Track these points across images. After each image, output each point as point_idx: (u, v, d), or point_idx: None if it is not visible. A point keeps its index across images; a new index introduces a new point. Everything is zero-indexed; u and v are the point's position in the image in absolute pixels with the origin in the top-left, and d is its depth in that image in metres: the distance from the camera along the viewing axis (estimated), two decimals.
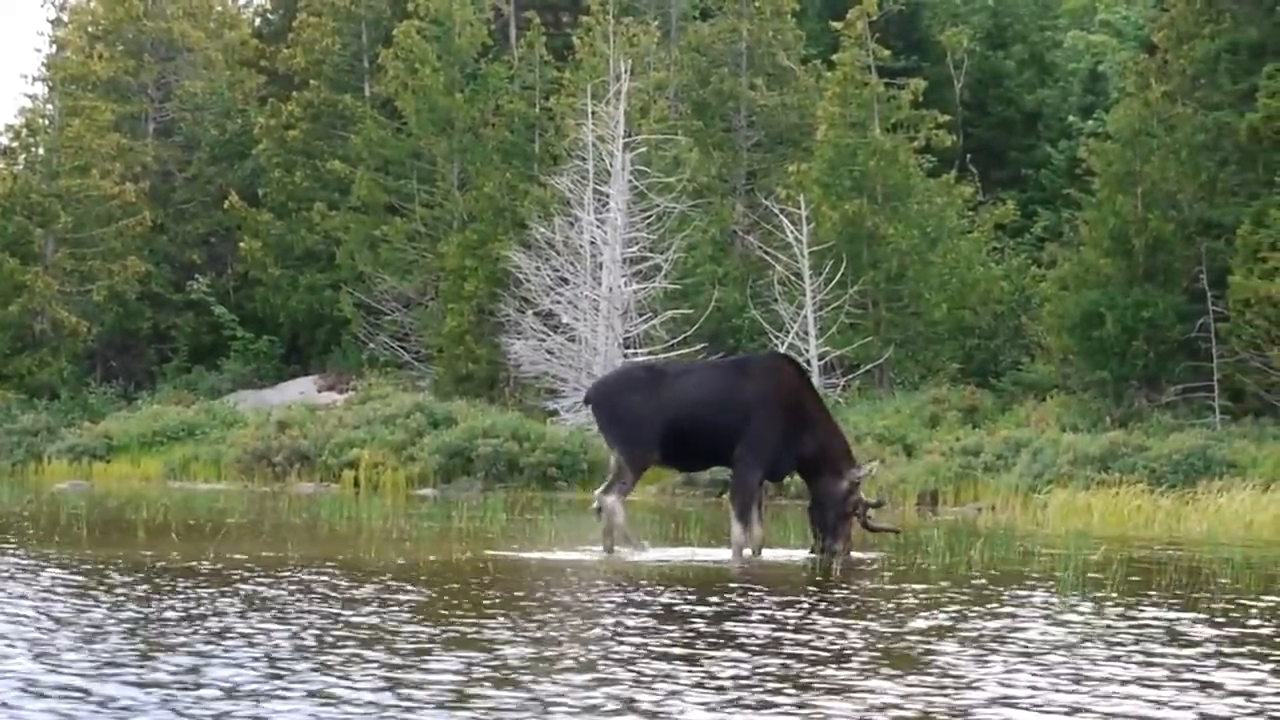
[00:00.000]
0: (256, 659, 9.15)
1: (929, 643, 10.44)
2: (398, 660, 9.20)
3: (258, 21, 69.04)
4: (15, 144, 57.95)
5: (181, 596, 12.28)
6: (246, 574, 14.17)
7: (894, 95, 47.79)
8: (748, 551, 17.33)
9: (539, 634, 10.52)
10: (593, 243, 43.81)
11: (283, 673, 8.70)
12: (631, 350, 42.47)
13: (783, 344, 41.19)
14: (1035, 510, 28.42)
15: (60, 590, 12.72)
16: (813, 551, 17.52)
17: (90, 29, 62.09)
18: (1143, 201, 39.11)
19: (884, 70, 48.64)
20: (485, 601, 12.49)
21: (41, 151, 57.54)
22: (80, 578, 13.67)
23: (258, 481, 39.54)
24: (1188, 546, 20.93)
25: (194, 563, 15.22)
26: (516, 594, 13.31)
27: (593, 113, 44.35)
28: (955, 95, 59.89)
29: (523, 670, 8.92)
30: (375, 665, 9.01)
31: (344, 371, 54.01)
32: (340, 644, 9.81)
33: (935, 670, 9.25)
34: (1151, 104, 39.76)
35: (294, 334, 58.35)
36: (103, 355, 58.12)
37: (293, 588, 13.05)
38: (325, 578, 13.97)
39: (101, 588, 12.83)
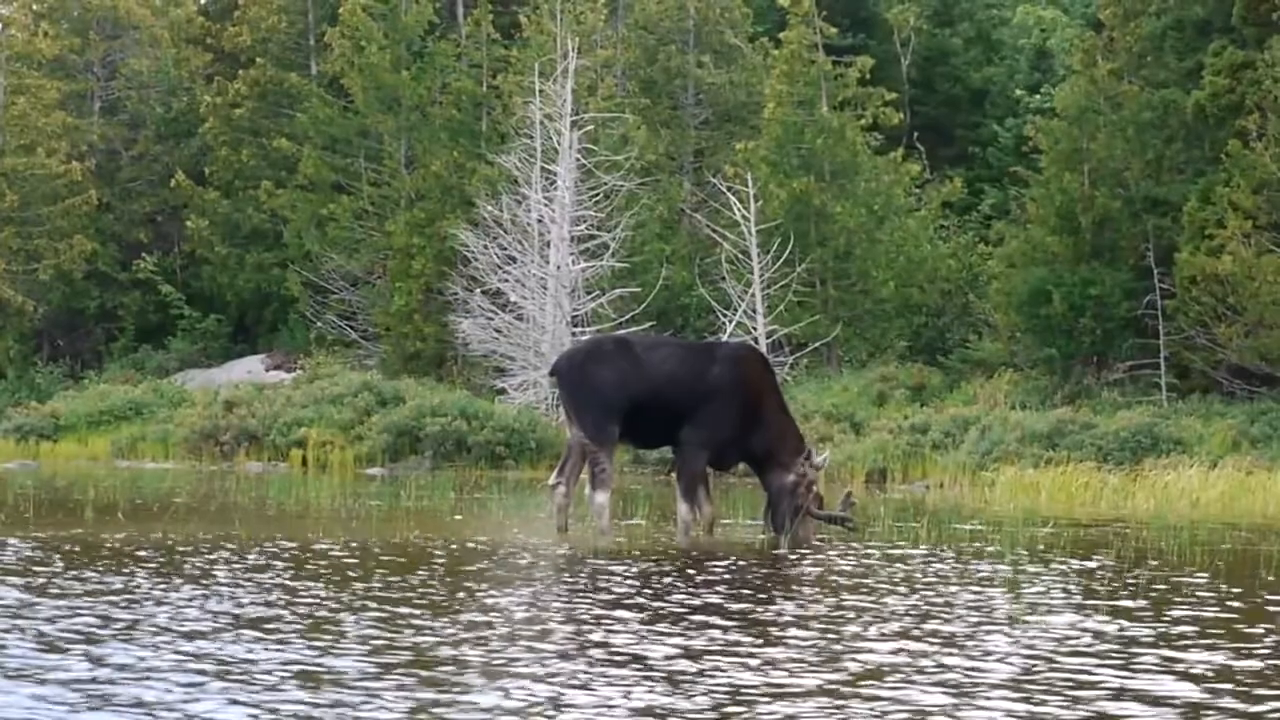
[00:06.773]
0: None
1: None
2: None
3: None
4: None
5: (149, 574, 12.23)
6: (194, 552, 14.13)
7: (841, 73, 47.75)
8: (695, 531, 17.34)
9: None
10: (540, 221, 43.75)
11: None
12: (580, 329, 42.42)
13: (730, 322, 41.25)
14: (983, 488, 28.47)
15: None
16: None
17: (35, 6, 61.54)
18: (1089, 179, 39.27)
19: (831, 48, 48.64)
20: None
21: None
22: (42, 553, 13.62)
23: (205, 461, 39.34)
24: (1135, 523, 21.02)
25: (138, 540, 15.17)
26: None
27: (540, 91, 44.26)
28: (902, 73, 59.99)
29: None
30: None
31: (291, 350, 53.84)
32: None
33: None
34: (1098, 81, 39.90)
35: (241, 313, 58.14)
36: (49, 334, 57.83)
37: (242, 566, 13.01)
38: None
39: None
